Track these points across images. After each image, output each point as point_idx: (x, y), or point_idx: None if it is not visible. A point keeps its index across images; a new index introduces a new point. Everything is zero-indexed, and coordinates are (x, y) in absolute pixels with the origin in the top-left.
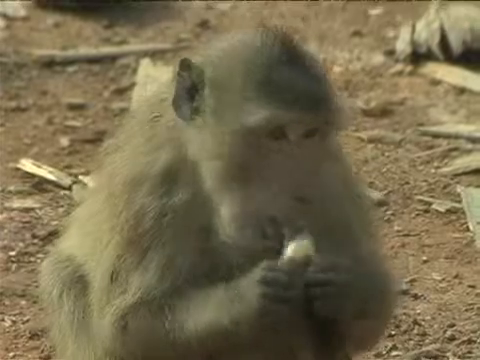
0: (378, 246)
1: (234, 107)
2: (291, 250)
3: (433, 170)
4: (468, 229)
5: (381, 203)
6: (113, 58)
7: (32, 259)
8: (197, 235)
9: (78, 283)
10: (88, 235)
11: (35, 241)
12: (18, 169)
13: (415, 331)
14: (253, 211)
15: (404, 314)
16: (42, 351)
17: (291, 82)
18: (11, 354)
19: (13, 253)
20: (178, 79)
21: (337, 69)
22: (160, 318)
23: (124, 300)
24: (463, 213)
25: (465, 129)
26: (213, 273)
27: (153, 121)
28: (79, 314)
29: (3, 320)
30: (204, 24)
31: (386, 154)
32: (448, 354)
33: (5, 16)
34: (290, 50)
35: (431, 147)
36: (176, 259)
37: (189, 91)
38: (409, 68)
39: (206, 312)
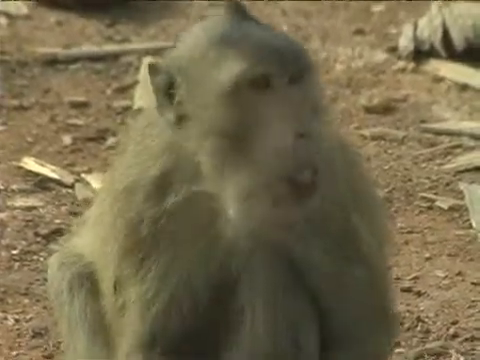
0: (383, 247)
1: (212, 75)
2: None
3: (436, 167)
4: (471, 226)
5: (384, 200)
6: (115, 56)
7: (35, 257)
8: (195, 240)
9: (88, 279)
10: (97, 236)
11: (38, 239)
12: (21, 167)
13: (418, 328)
14: (265, 173)
15: (407, 311)
16: (45, 349)
17: (260, 34)
18: (14, 353)
19: (16, 252)
20: (153, 86)
21: (339, 66)
22: None
23: (127, 339)
24: (466, 210)
25: (468, 126)
26: (212, 284)
27: (145, 130)
28: (91, 308)
29: (6, 319)
30: None
31: (389, 151)
32: (451, 351)
33: (8, 14)
34: (247, 15)
35: (434, 144)
36: (174, 268)
37: (167, 93)
38: (411, 65)
39: None
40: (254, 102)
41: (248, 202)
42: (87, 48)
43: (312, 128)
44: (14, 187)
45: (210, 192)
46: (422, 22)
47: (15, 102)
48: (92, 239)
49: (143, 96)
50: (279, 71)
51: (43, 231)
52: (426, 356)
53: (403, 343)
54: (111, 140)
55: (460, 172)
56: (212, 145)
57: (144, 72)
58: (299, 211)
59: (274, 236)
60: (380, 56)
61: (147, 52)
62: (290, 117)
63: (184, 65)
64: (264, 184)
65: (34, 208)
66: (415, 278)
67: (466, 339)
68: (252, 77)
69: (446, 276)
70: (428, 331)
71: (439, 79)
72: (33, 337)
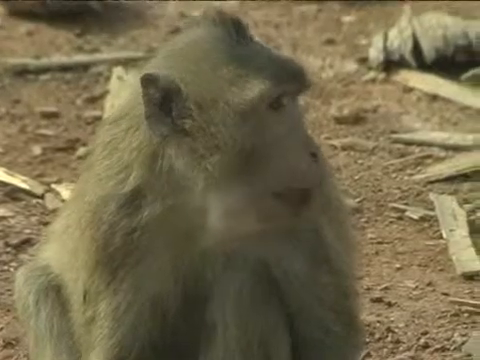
0: (351, 255)
1: (228, 93)
2: None
3: (406, 177)
4: (441, 237)
5: (355, 211)
6: (86, 66)
7: (5, 268)
8: (169, 253)
9: (53, 291)
10: (65, 248)
11: (8, 250)
12: None
13: (389, 339)
14: (269, 188)
15: (378, 322)
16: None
17: (271, 54)
18: None
19: None
20: (146, 98)
21: None
22: None
23: (97, 352)
24: (436, 220)
25: (438, 136)
26: (185, 297)
27: (113, 144)
28: (57, 321)
29: None
30: (176, 32)
31: (359, 162)
32: None
33: None
34: (243, 29)
35: (404, 154)
36: (147, 280)
37: (161, 106)
38: (382, 76)
39: None
40: (270, 120)
41: (238, 216)
42: (57, 58)
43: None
44: None
45: (188, 206)
46: (392, 33)
47: None
48: (59, 252)
49: (114, 106)
50: (294, 90)
51: (13, 241)
52: None
53: (374, 354)
54: (81, 150)
55: (430, 182)
56: (217, 160)
57: (115, 82)
58: (294, 222)
59: (257, 250)
60: (350, 66)
61: (117, 62)
62: (302, 136)
63: (190, 79)
64: (262, 198)
65: (4, 218)
66: (385, 288)
67: (436, 349)
68: (273, 97)
69: (416, 286)
70: (398, 341)
71: (409, 89)
72: (4, 347)
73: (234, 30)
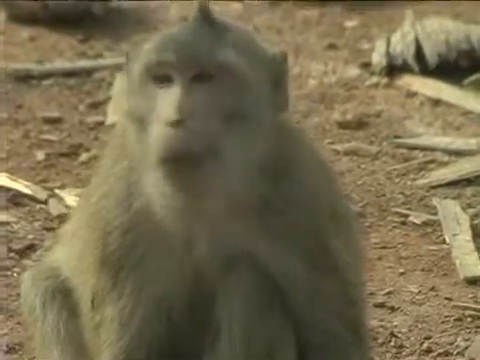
0: (359, 262)
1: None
2: None
3: (409, 182)
4: (444, 241)
5: (358, 215)
6: (88, 72)
7: (8, 273)
8: (168, 253)
9: (61, 294)
10: (74, 252)
11: (11, 255)
12: None
13: (392, 343)
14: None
15: (381, 326)
16: None
17: (178, 36)
18: None
19: None
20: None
21: (312, 82)
22: None
23: (104, 356)
24: (439, 225)
25: (441, 141)
26: (188, 300)
27: (117, 144)
28: (64, 324)
29: None
30: None
31: (362, 166)
32: None
33: None
34: (204, 20)
35: (407, 159)
36: (148, 283)
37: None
38: (385, 80)
39: None
40: (154, 94)
41: (162, 194)
42: (60, 64)
43: (200, 120)
44: None
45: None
46: (395, 37)
47: None
48: (68, 255)
49: (116, 112)
50: (179, 68)
51: (17, 246)
52: None
53: (377, 358)
54: (84, 155)
55: (433, 187)
56: (131, 130)
57: (117, 87)
58: (188, 188)
59: (255, 251)
60: (353, 71)
61: (120, 68)
62: (172, 105)
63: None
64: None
65: (7, 224)
66: (389, 293)
67: (439, 354)
68: (152, 71)
69: (420, 291)
70: (402, 346)
71: (412, 94)
72: (7, 353)
73: (200, 18)
